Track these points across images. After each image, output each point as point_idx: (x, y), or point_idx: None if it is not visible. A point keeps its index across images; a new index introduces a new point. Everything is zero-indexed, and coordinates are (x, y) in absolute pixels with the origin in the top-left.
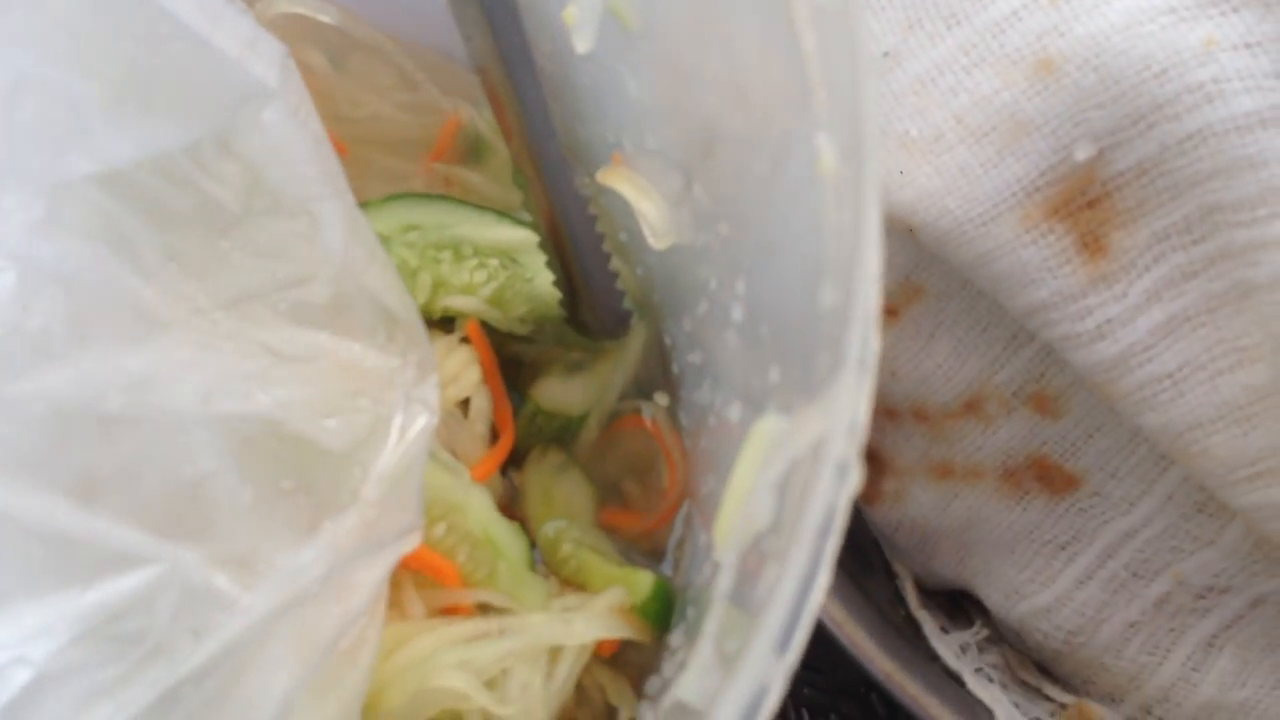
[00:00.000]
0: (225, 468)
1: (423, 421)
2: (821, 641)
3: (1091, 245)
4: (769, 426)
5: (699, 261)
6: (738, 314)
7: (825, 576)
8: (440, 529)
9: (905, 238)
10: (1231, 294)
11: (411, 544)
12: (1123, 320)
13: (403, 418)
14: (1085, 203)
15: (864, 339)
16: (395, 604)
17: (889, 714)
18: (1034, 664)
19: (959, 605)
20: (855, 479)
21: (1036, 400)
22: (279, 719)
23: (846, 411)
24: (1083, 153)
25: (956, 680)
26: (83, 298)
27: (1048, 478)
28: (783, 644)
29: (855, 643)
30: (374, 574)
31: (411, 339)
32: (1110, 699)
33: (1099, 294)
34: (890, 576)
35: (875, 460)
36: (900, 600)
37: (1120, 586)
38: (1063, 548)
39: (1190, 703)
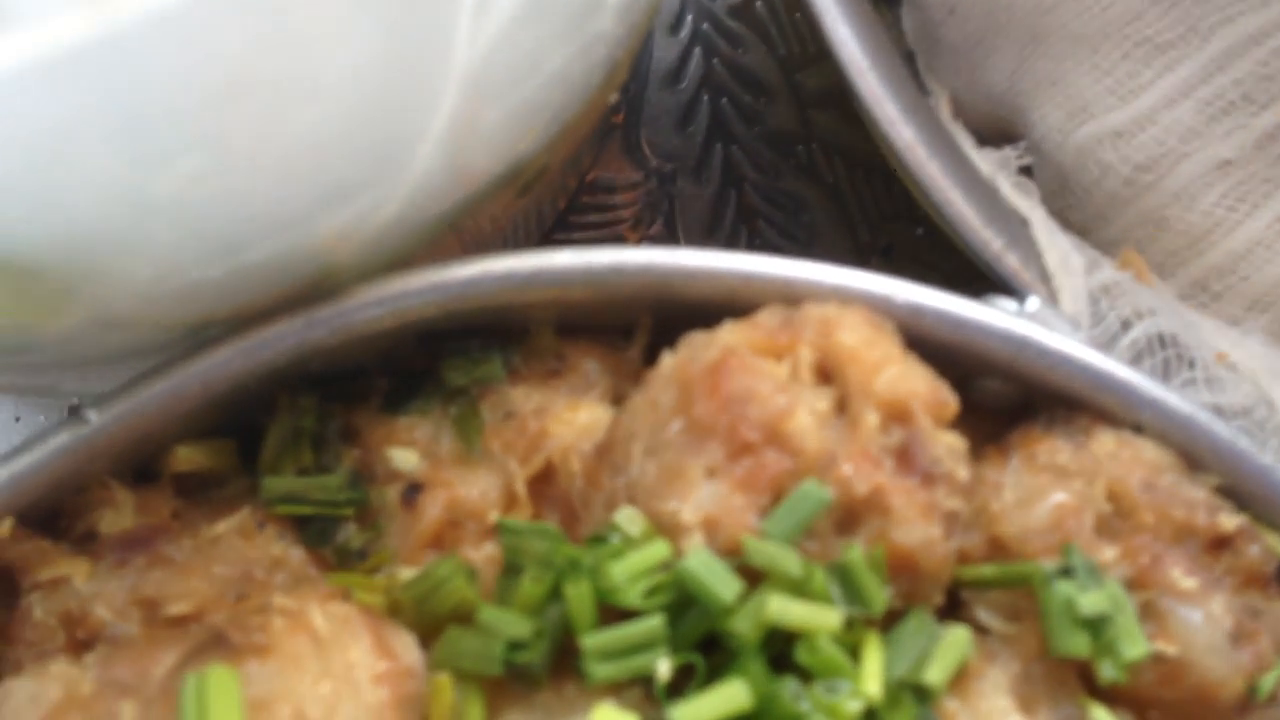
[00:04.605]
0: None
1: None
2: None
3: None
4: None
5: None
6: None
7: None
8: None
9: None
10: None
11: None
12: None
13: None
14: None
15: None
16: None
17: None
18: (1074, 226)
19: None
20: None
21: None
22: None
23: None
24: None
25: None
26: None
27: None
28: None
29: (877, 101)
30: None
31: None
32: (1161, 269)
33: None
34: (924, 94)
35: None
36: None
37: (1222, 111)
38: (1163, 49)
39: (1263, 276)
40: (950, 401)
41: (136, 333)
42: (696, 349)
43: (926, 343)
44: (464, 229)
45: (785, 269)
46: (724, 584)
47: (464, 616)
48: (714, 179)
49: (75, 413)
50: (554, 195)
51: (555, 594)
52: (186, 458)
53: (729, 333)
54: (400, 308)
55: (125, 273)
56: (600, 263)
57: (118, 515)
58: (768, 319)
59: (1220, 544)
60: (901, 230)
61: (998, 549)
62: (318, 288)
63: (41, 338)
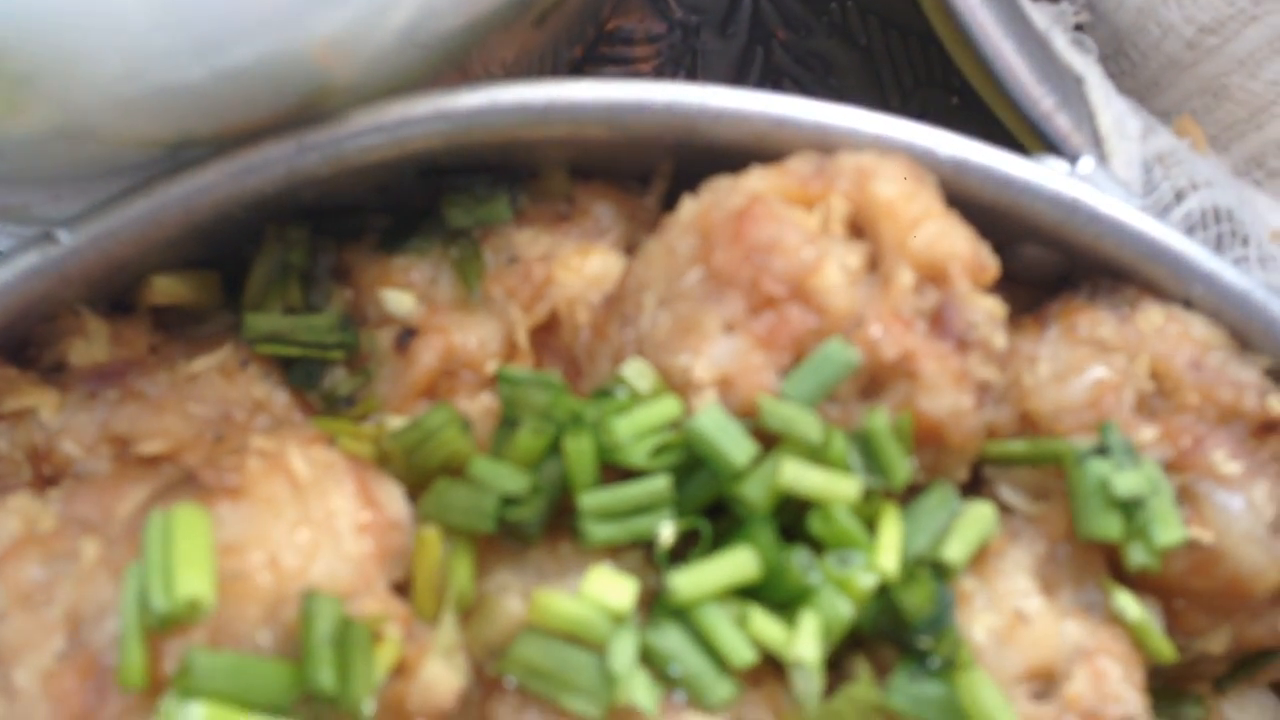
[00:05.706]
0: None
1: None
2: None
3: None
4: None
5: None
6: None
7: None
8: None
9: None
10: None
11: None
12: None
13: None
14: None
15: None
16: None
17: None
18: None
19: None
20: None
21: None
22: None
23: None
24: None
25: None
26: None
27: None
28: None
29: None
30: None
31: None
32: (1216, 142)
33: None
34: None
35: None
36: None
37: None
38: None
39: None
40: (991, 264)
41: (109, 147)
42: (720, 194)
43: (968, 202)
44: (472, 71)
45: (821, 114)
46: (737, 446)
47: (456, 469)
48: (740, 34)
49: (46, 234)
50: (570, 41)
51: (554, 449)
52: (165, 289)
53: (757, 178)
54: (401, 136)
55: (91, 63)
56: (621, 98)
57: (89, 346)
58: (799, 166)
59: (1268, 428)
60: (935, 98)
61: (1028, 425)
62: (311, 110)
63: (3, 141)
